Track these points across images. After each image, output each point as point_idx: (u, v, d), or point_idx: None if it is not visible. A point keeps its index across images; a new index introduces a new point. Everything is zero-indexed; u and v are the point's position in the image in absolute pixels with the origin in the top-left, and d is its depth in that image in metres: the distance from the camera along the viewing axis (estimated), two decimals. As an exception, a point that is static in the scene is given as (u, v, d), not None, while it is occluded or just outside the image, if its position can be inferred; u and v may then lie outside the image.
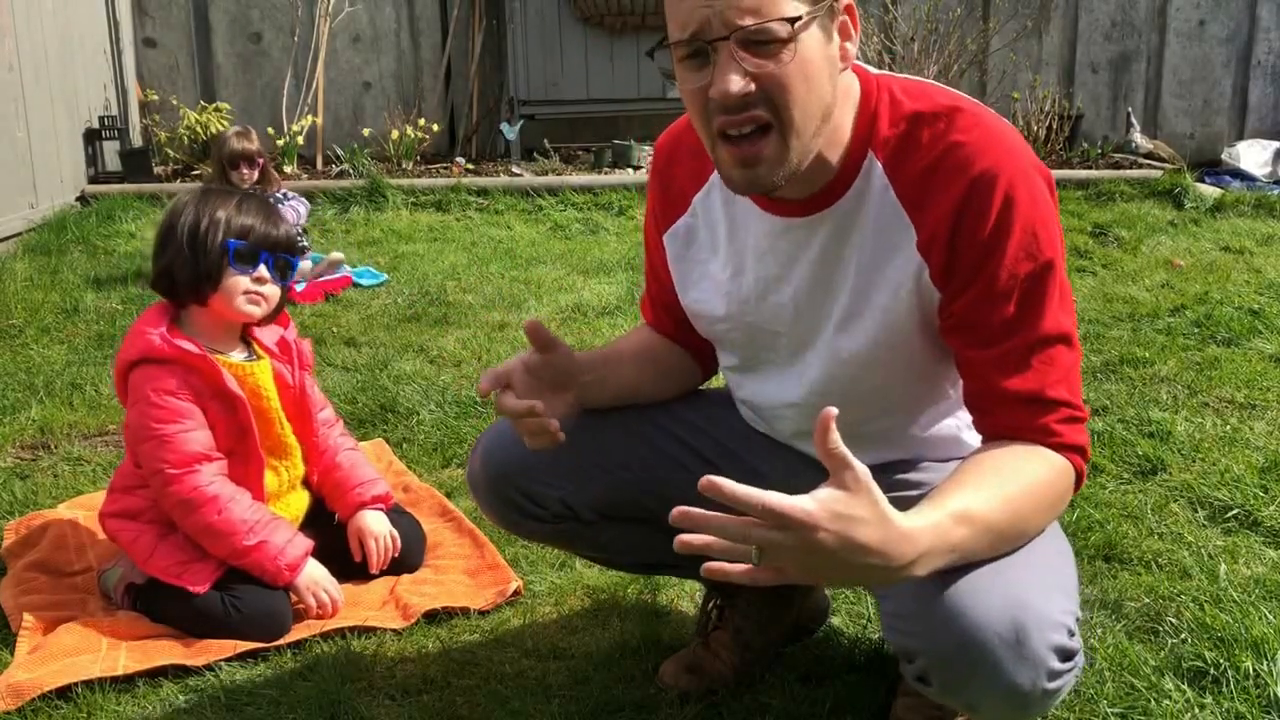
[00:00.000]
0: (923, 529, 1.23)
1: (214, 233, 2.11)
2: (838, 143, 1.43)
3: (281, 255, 2.18)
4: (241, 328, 2.23)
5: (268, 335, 2.27)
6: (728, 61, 1.31)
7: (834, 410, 1.18)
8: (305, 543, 2.12)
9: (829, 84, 1.36)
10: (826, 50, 1.35)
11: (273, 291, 2.18)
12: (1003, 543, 1.34)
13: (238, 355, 2.20)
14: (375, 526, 2.24)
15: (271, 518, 2.11)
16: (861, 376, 1.53)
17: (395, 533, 2.26)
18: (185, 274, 2.11)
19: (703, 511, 1.19)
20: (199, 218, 2.12)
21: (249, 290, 2.14)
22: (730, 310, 1.61)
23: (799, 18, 1.30)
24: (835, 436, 1.18)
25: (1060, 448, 1.40)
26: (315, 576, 2.11)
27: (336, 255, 4.86)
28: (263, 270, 2.14)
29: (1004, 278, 1.37)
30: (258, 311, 2.17)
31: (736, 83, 1.30)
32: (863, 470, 1.19)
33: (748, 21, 1.29)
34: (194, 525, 2.05)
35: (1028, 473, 1.36)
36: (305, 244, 4.89)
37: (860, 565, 1.19)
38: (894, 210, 1.43)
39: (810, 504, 1.17)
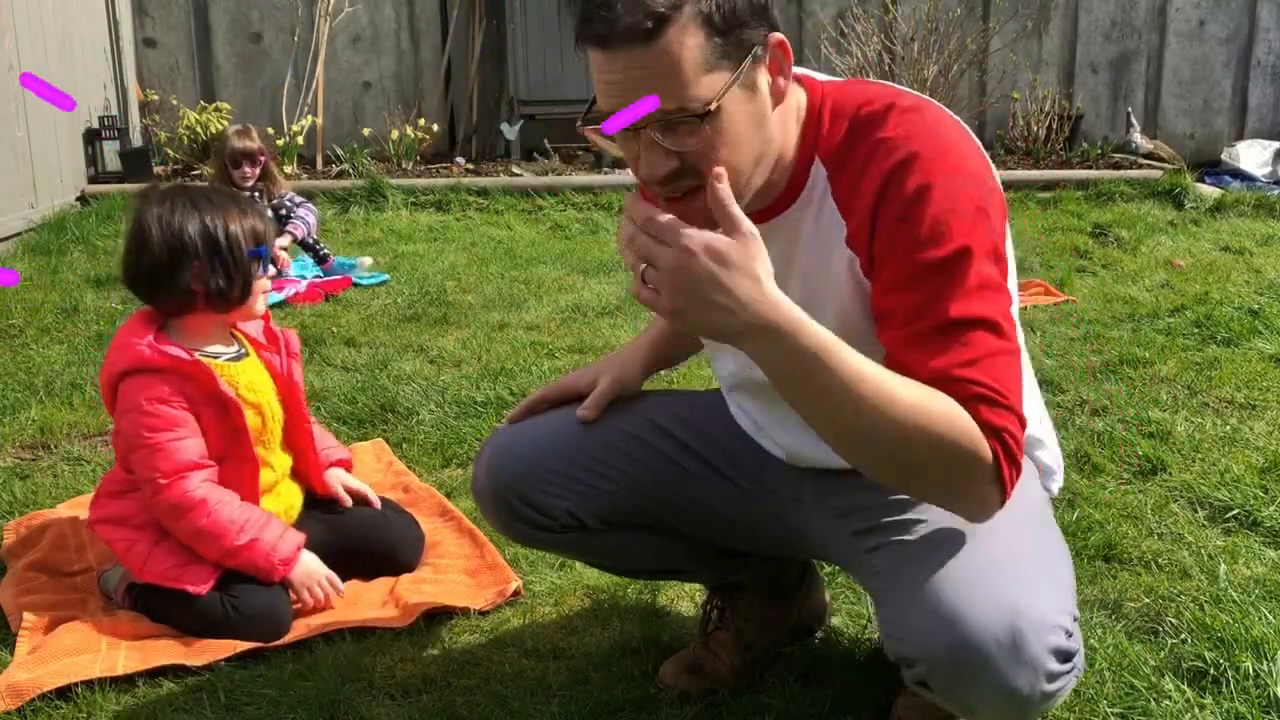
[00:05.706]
0: (791, 314, 1.26)
1: (239, 242, 2.11)
2: (784, 161, 1.43)
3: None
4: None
5: (251, 328, 2.28)
6: (650, 146, 1.31)
7: (721, 170, 1.26)
8: (297, 536, 2.12)
9: (757, 135, 1.35)
10: (752, 106, 1.33)
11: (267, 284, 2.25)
12: (859, 422, 1.28)
13: (226, 353, 2.20)
14: (349, 479, 2.36)
15: (262, 515, 2.10)
16: None
17: (366, 491, 2.37)
18: (215, 286, 2.10)
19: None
20: (212, 228, 2.10)
21: (266, 290, 2.22)
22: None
23: (712, 99, 1.28)
24: (724, 194, 1.25)
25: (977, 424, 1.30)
26: (310, 569, 2.11)
27: (366, 260, 4.98)
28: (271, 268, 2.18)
29: (913, 263, 1.33)
30: (265, 307, 2.25)
31: (660, 165, 1.32)
32: (754, 232, 1.26)
33: (668, 105, 1.28)
34: (184, 530, 2.05)
35: (931, 398, 1.29)
36: (326, 251, 4.96)
37: (713, 303, 1.24)
38: (831, 210, 1.43)
39: (694, 232, 1.24)
